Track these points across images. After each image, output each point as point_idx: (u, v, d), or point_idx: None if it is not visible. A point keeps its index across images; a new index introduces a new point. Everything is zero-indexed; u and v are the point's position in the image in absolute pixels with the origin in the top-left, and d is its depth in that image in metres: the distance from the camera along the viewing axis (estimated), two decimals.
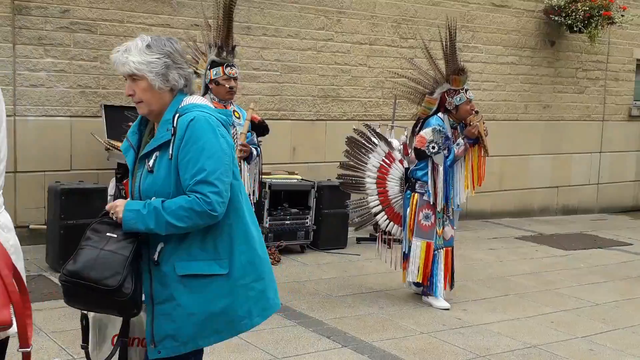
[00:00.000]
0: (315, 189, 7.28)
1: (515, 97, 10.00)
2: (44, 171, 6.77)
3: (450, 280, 5.69)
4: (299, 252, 7.20)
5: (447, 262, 5.63)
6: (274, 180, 7.12)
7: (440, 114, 5.52)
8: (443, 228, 5.59)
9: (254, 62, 7.84)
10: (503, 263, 7.33)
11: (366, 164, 5.82)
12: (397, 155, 5.79)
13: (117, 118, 6.52)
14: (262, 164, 5.17)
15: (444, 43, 5.50)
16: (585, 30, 9.83)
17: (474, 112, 5.52)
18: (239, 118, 4.92)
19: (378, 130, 5.92)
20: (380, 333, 4.93)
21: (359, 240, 7.80)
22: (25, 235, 6.70)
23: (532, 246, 8.31)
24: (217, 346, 4.44)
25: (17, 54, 6.59)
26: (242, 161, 4.86)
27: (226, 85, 4.80)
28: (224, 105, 4.84)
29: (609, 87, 11.04)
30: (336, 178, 6.06)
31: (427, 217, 5.54)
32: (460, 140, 5.46)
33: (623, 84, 11.21)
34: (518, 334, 5.07)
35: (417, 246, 5.53)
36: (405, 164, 5.71)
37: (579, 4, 9.65)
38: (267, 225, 6.93)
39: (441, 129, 5.42)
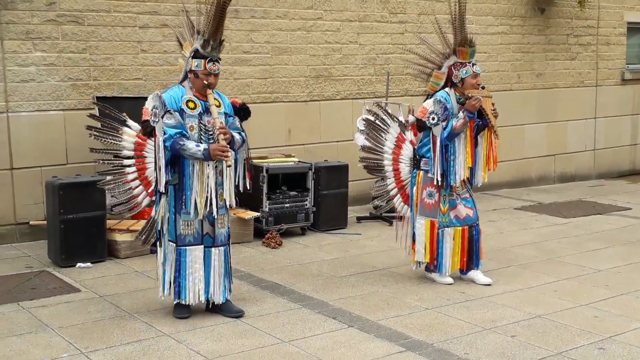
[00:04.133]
0: (313, 171, 7.27)
1: (507, 67, 9.97)
2: (41, 166, 6.74)
3: (469, 260, 5.55)
4: (300, 235, 7.21)
5: (463, 241, 5.50)
6: (271, 164, 7.10)
7: (446, 89, 5.43)
8: (453, 207, 5.48)
9: (244, 45, 7.79)
10: (503, 234, 7.35)
11: (383, 146, 5.73)
12: (409, 135, 5.68)
13: (99, 107, 6.45)
14: (249, 149, 4.97)
15: (452, 15, 5.34)
16: None
17: (479, 87, 5.39)
18: (219, 106, 4.68)
19: (389, 109, 5.82)
20: (385, 311, 4.94)
21: (359, 219, 7.81)
22: (26, 231, 6.72)
23: (532, 216, 8.34)
24: (223, 331, 4.48)
25: (6, 49, 6.54)
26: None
27: (204, 81, 4.64)
28: (202, 94, 4.68)
29: (600, 52, 11.01)
30: (359, 162, 5.92)
31: (430, 195, 5.46)
32: (460, 114, 5.31)
33: (615, 48, 11.17)
34: (522, 304, 5.10)
35: (422, 224, 5.48)
36: (416, 144, 5.61)
37: None
38: (266, 209, 6.93)
39: (442, 99, 5.32)
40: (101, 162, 5.02)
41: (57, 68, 6.78)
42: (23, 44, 6.61)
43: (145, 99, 6.89)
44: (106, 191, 4.91)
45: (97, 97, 6.74)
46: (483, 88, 5.44)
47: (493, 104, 5.41)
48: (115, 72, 7.06)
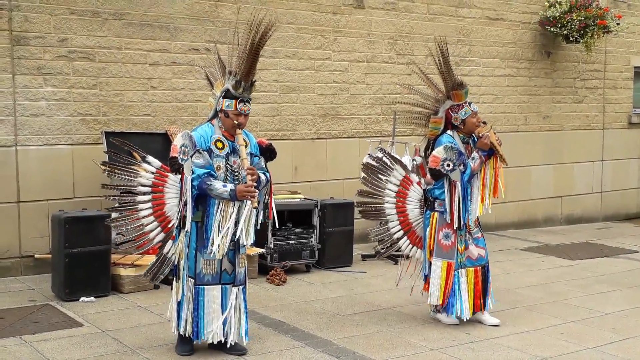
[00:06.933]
0: (319, 208, 7.27)
1: (514, 108, 10.02)
2: (47, 200, 6.77)
3: (483, 301, 5.52)
4: (304, 272, 7.18)
5: (476, 282, 5.47)
6: (277, 201, 7.07)
7: (449, 132, 5.48)
8: (467, 247, 5.48)
9: None
10: (509, 275, 7.30)
11: (384, 189, 5.71)
12: (414, 177, 5.69)
13: (118, 144, 6.52)
14: (272, 185, 4.99)
15: (437, 61, 5.47)
16: (581, 40, 9.87)
17: (481, 123, 5.47)
18: (246, 146, 4.71)
19: (393, 153, 5.84)
20: (389, 351, 4.89)
21: (364, 257, 7.78)
22: (31, 264, 6.71)
23: (538, 257, 8.28)
24: None
25: (17, 84, 6.62)
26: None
27: (234, 121, 4.69)
28: (231, 133, 4.72)
29: (607, 96, 11.06)
30: (355, 206, 5.94)
31: (447, 237, 5.43)
32: (475, 154, 5.38)
33: (622, 92, 11.23)
34: (528, 347, 5.04)
35: (438, 266, 5.43)
36: (423, 185, 5.62)
37: (574, 14, 9.69)
38: (271, 245, 6.91)
39: (453, 145, 5.36)
40: (111, 198, 5.01)
41: (67, 103, 6.85)
42: (34, 79, 6.69)
43: (154, 134, 7.07)
44: (111, 228, 4.89)
45: (106, 132, 6.80)
46: (485, 123, 5.53)
47: (495, 133, 5.52)
48: (124, 107, 7.13)
